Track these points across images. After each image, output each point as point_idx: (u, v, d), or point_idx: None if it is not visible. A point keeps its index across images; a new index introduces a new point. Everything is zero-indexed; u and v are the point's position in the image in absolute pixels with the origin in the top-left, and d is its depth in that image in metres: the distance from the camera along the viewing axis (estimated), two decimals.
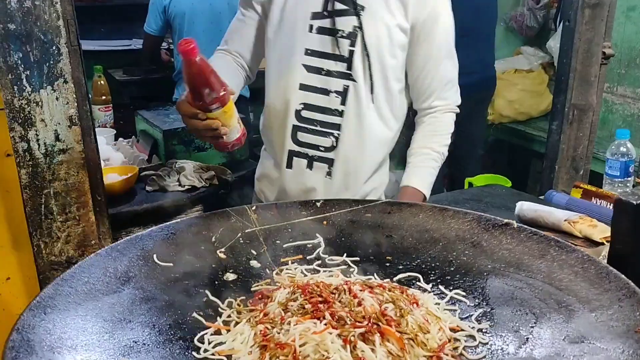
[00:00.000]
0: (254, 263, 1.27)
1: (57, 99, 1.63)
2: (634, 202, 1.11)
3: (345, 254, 1.31)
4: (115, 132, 2.76)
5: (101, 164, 2.36)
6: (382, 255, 1.31)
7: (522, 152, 4.35)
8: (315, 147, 1.71)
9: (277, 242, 1.35)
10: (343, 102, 1.67)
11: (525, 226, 1.30)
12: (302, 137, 1.71)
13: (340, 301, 1.02)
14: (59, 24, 1.59)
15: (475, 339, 1.00)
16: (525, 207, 1.97)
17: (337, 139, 1.69)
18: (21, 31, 1.54)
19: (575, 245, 1.70)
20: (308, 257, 1.30)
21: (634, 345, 0.89)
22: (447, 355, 0.94)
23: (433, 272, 1.23)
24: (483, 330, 1.02)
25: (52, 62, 1.60)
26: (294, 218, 1.42)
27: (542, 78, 4.43)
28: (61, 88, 1.64)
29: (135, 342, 0.97)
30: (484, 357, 0.95)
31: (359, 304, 1.00)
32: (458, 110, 1.87)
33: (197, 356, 0.96)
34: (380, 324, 0.95)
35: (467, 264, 1.23)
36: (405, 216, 1.42)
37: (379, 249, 1.32)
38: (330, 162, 1.73)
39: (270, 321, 1.00)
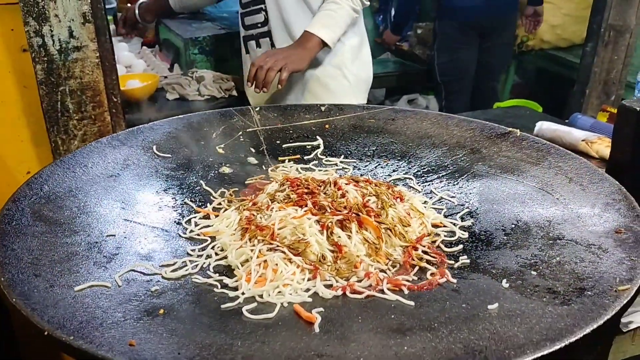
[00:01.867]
0: (251, 160, 1.29)
1: None
2: (638, 109, 1.07)
3: (342, 156, 1.31)
4: (141, 40, 2.76)
5: (119, 67, 2.39)
6: (379, 158, 1.31)
7: (561, 80, 4.18)
8: (255, 25, 1.95)
9: (277, 142, 1.36)
10: None
11: (528, 135, 1.28)
12: (247, 20, 1.97)
13: (325, 193, 1.03)
14: None
15: (455, 234, 1.00)
16: (545, 126, 1.93)
17: (265, 11, 1.91)
18: None
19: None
20: (306, 158, 1.31)
21: (611, 244, 0.88)
22: (423, 246, 0.95)
23: (427, 175, 1.23)
24: (465, 226, 1.03)
25: None
26: (296, 121, 1.43)
27: (589, 2, 4.19)
28: None
29: (127, 220, 1.01)
30: (460, 250, 0.96)
31: (343, 196, 1.02)
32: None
33: (183, 236, 1.00)
34: (360, 214, 0.96)
35: (462, 169, 1.22)
36: (408, 123, 1.40)
37: (377, 153, 1.33)
38: (269, 35, 1.94)
39: (257, 209, 1.03)
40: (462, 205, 1.11)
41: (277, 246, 0.90)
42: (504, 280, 0.84)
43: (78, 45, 1.70)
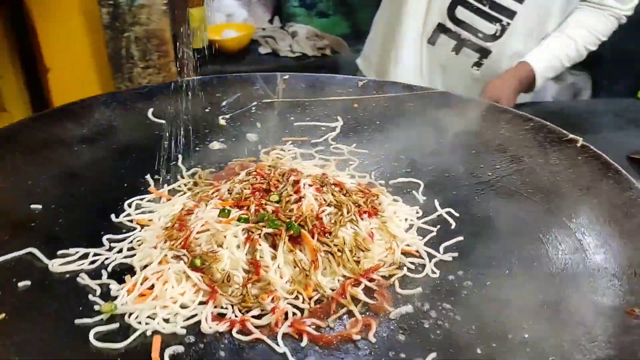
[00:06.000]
0: (251, 136, 1.13)
1: None
2: None
3: (354, 144, 1.10)
4: None
5: (219, 15, 2.32)
6: (396, 153, 1.08)
7: None
8: (473, 30, 1.52)
9: (291, 118, 1.19)
10: None
11: (592, 147, 0.97)
12: (461, 13, 1.52)
13: (282, 194, 0.86)
14: None
15: (422, 270, 0.78)
16: None
17: (504, 28, 1.50)
18: None
19: None
20: (313, 141, 1.12)
21: None
22: (373, 281, 0.75)
23: (441, 184, 0.98)
24: (444, 260, 0.79)
25: None
26: (324, 95, 1.24)
27: None
28: None
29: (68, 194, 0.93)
30: (419, 294, 0.73)
31: (298, 200, 0.83)
32: (623, 21, 1.55)
33: (114, 220, 0.88)
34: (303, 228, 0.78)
35: (487, 180, 0.97)
36: (450, 113, 1.15)
37: (396, 146, 1.09)
38: (484, 53, 1.54)
39: (206, 200, 0.88)
40: (459, 231, 0.86)
41: (184, 255, 0.75)
42: None
43: None
